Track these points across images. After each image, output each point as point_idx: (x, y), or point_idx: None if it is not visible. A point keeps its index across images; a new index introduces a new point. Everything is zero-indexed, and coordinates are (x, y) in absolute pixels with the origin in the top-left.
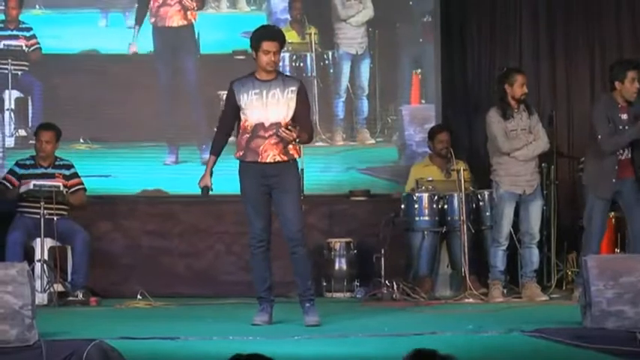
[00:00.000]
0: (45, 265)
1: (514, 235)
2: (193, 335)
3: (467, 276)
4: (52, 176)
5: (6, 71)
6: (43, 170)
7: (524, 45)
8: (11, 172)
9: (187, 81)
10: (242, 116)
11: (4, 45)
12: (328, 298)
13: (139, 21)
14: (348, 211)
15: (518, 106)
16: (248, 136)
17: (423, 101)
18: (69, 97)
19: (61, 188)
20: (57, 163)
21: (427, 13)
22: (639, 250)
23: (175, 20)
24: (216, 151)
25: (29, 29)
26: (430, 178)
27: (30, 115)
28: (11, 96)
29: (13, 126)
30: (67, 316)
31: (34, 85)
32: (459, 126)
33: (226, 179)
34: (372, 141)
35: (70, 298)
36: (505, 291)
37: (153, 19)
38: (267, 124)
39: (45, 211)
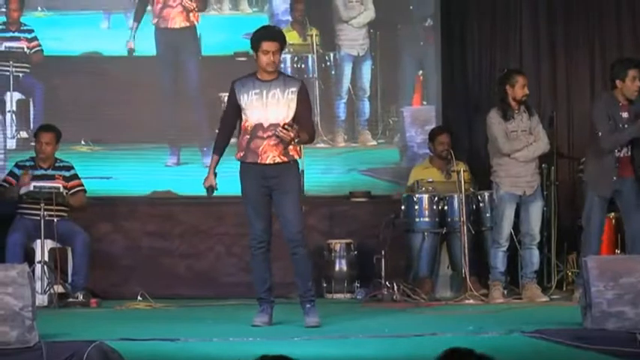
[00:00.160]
0: (45, 267)
1: (514, 236)
2: (193, 336)
3: (467, 277)
4: (51, 177)
5: (7, 73)
6: (42, 172)
7: (524, 46)
8: (11, 173)
9: (189, 82)
10: (243, 116)
11: (5, 47)
12: (328, 299)
13: (138, 18)
14: (349, 212)
15: (519, 108)
16: (248, 136)
17: (425, 103)
18: (70, 98)
19: (61, 190)
20: (57, 164)
21: (428, 14)
22: (637, 251)
23: (177, 22)
24: (219, 151)
25: (31, 31)
26: (430, 179)
27: (31, 116)
28: (12, 98)
29: (14, 128)
30: (68, 318)
31: (35, 87)
32: (460, 127)
33: (227, 180)
34: (374, 142)
35: (71, 300)
36: (505, 292)
37: (155, 21)
38: (266, 125)
39: (45, 213)
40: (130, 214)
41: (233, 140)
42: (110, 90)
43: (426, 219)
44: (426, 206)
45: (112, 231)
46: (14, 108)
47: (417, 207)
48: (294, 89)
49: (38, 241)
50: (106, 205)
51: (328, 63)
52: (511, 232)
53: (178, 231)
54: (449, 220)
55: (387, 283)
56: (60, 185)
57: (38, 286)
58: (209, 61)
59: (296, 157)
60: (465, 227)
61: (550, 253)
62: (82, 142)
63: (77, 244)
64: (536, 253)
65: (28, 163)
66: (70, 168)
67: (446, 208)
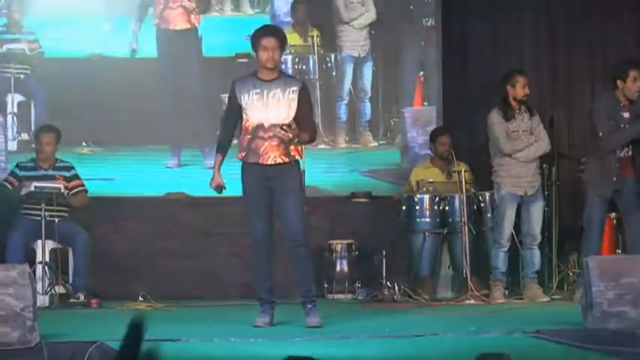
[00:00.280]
0: (46, 267)
1: (515, 237)
2: (194, 337)
3: (468, 277)
4: (52, 178)
5: (8, 75)
6: (43, 172)
7: (525, 46)
8: (12, 174)
9: (190, 84)
10: (244, 116)
11: (6, 49)
12: (330, 300)
13: (139, 19)
14: (350, 212)
15: (520, 108)
16: (249, 137)
17: (426, 103)
18: (72, 100)
19: (62, 190)
20: (57, 164)
21: (429, 15)
22: (637, 251)
23: (179, 23)
24: (223, 151)
25: (31, 33)
26: (431, 180)
27: (33, 118)
28: (14, 100)
29: (15, 130)
30: (69, 318)
31: (36, 89)
32: (460, 127)
33: (228, 181)
34: (375, 143)
35: (72, 300)
36: (506, 292)
37: (156, 22)
38: (267, 125)
39: (46, 213)
40: (131, 215)
41: (234, 141)
42: (111, 92)
43: (427, 219)
44: (427, 206)
45: (113, 231)
46: (15, 110)
47: (417, 207)
48: (294, 89)
49: (39, 242)
50: (106, 205)
51: (329, 64)
52: (512, 233)
53: (179, 231)
54: (450, 220)
55: (388, 283)
56: (61, 185)
57: (39, 286)
58: (210, 62)
59: (297, 157)
60: (466, 227)
61: (551, 253)
62: (83, 144)
63: (78, 245)
64: (537, 253)
65: (29, 164)
66: (70, 168)
67: (447, 208)
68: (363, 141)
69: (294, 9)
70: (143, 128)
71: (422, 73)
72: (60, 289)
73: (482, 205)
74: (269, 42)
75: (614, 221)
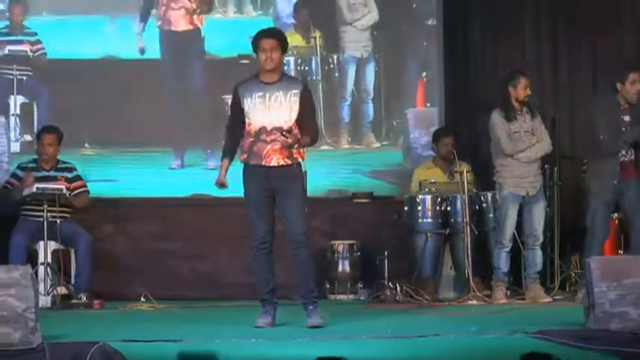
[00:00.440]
0: (48, 268)
1: (517, 237)
2: (196, 338)
3: (470, 278)
4: (54, 179)
5: (11, 76)
6: (45, 173)
7: (526, 47)
8: (14, 175)
9: (193, 85)
10: (246, 119)
11: (8, 50)
12: (332, 300)
13: (143, 20)
14: (352, 213)
15: (521, 108)
16: (252, 139)
17: (429, 104)
18: (74, 102)
19: (64, 191)
20: (59, 165)
21: (430, 12)
22: None
23: (182, 25)
24: (229, 156)
25: (34, 34)
26: (433, 180)
27: (35, 120)
28: (16, 101)
29: (18, 131)
30: (71, 319)
31: (39, 91)
32: (462, 128)
33: (230, 182)
34: (378, 144)
35: (74, 301)
36: (508, 292)
37: (159, 23)
38: (269, 128)
39: (48, 214)
40: (133, 216)
41: None
42: (114, 93)
43: (429, 220)
44: (429, 207)
45: (115, 232)
46: (18, 111)
47: (420, 208)
48: (296, 91)
49: (41, 243)
50: (109, 206)
51: (332, 65)
52: (514, 233)
53: (181, 232)
54: (452, 220)
55: (390, 283)
56: (63, 186)
57: (41, 287)
58: (213, 63)
59: (300, 159)
60: (468, 228)
61: (553, 253)
62: (86, 145)
63: (80, 246)
64: (539, 253)
65: (30, 165)
66: (72, 169)
67: (449, 208)
68: (366, 142)
69: (297, 10)
70: (146, 129)
71: (424, 73)
72: (62, 290)
73: (484, 205)
74: (267, 43)
75: (617, 222)
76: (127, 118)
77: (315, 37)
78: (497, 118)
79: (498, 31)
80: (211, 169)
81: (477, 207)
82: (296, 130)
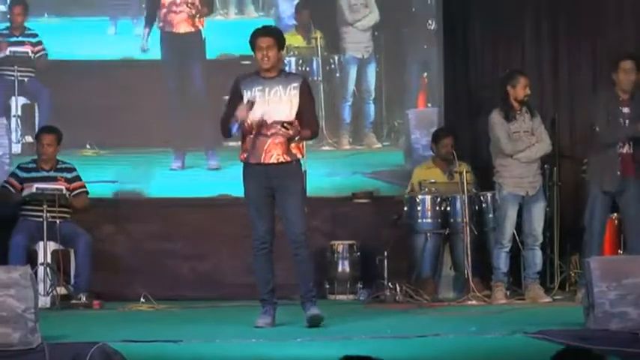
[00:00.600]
0: (48, 269)
1: (517, 237)
2: (196, 338)
3: (470, 278)
4: (54, 179)
5: (12, 78)
6: (45, 173)
7: (526, 47)
8: (13, 175)
9: (194, 87)
10: None
11: (10, 52)
12: (331, 301)
13: (149, 23)
14: (351, 213)
15: (521, 108)
16: (251, 135)
17: (429, 105)
18: (75, 103)
19: (64, 191)
20: (58, 166)
21: (430, 16)
22: (636, 250)
23: (183, 27)
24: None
25: (35, 35)
26: (433, 180)
27: (37, 121)
28: (18, 102)
29: (19, 132)
30: (70, 319)
31: (40, 92)
32: (462, 128)
33: (231, 182)
34: (379, 145)
35: (73, 301)
36: (508, 293)
37: (161, 25)
38: (269, 122)
39: (48, 215)
40: (133, 216)
41: (235, 143)
42: (116, 94)
43: (429, 220)
44: (429, 207)
45: (115, 232)
46: (19, 112)
47: (419, 208)
48: (295, 84)
49: (41, 243)
50: (109, 206)
51: (333, 66)
52: (514, 233)
53: (181, 232)
54: (451, 220)
55: (389, 284)
56: (62, 187)
57: (41, 287)
58: (214, 65)
59: (299, 155)
60: (468, 228)
61: (553, 253)
62: (87, 147)
63: (80, 246)
64: (538, 253)
65: (30, 165)
66: (71, 170)
67: (448, 209)
68: (367, 142)
69: (298, 11)
70: (147, 130)
71: (425, 74)
72: (62, 291)
73: (483, 205)
74: (263, 41)
75: (616, 222)
76: (128, 119)
77: (316, 38)
78: (496, 118)
79: (498, 31)
80: (212, 170)
81: (477, 207)
82: (296, 123)
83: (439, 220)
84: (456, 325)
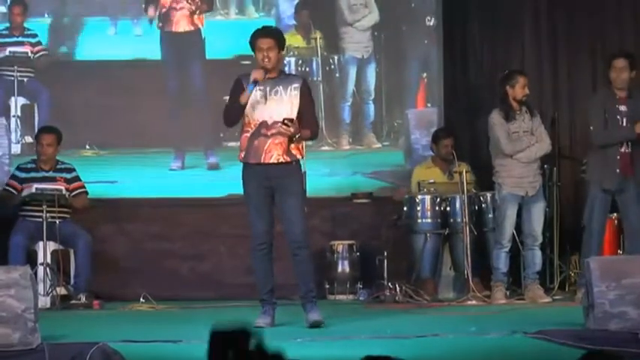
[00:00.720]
0: (48, 269)
1: (517, 237)
2: (196, 338)
3: (469, 278)
4: (53, 179)
5: (12, 78)
6: (44, 174)
7: (526, 47)
8: (13, 176)
9: (194, 86)
10: (244, 114)
11: (9, 52)
12: (331, 301)
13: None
14: (351, 213)
15: (520, 108)
16: (251, 134)
17: (429, 105)
18: (75, 103)
19: (64, 192)
20: (58, 166)
21: (429, 12)
22: (635, 249)
23: (182, 25)
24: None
25: (34, 35)
26: (432, 180)
27: (36, 121)
28: (17, 103)
29: (19, 133)
30: (70, 320)
31: (40, 92)
32: (462, 128)
33: (231, 182)
34: (379, 145)
35: (73, 302)
36: (508, 293)
37: (160, 24)
38: (270, 122)
39: (47, 215)
40: (133, 216)
41: (234, 143)
42: (115, 94)
43: (429, 220)
44: (429, 207)
45: (115, 233)
46: (19, 113)
47: (419, 208)
48: (296, 85)
49: (41, 243)
50: (109, 206)
51: (333, 66)
52: (513, 233)
53: (181, 232)
54: (451, 221)
55: (389, 284)
56: (62, 187)
57: (41, 288)
58: (214, 65)
59: (299, 156)
60: (468, 228)
61: (552, 253)
62: (87, 147)
63: (79, 246)
64: (538, 253)
65: (29, 166)
66: (71, 170)
67: (448, 209)
68: (367, 142)
69: (298, 11)
70: (147, 131)
71: (425, 74)
72: (61, 291)
73: (483, 205)
74: (264, 42)
75: (616, 222)
76: (128, 119)
77: (315, 38)
78: (496, 118)
79: (498, 31)
80: (212, 169)
81: (477, 207)
82: (297, 121)
83: (439, 220)
84: (456, 325)
